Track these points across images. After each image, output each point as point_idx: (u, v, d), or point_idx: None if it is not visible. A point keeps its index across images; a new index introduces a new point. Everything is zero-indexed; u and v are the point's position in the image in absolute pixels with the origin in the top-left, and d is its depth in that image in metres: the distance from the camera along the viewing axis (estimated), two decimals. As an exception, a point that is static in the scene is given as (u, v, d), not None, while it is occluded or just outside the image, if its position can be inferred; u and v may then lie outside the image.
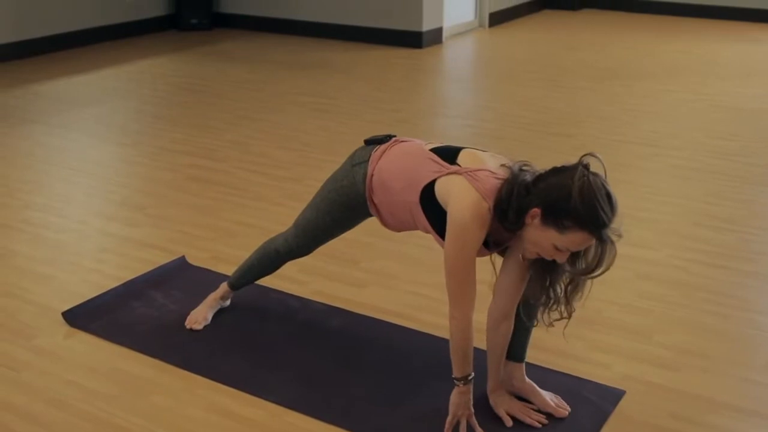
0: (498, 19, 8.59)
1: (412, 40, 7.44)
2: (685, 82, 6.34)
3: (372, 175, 2.41)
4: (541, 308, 2.31)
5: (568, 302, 2.26)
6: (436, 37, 7.60)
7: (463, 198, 2.17)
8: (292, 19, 8.01)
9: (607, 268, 2.15)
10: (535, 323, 2.39)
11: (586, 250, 2.14)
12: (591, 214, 2.05)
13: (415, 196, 2.31)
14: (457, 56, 7.50)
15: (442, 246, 2.26)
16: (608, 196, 2.08)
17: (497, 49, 7.76)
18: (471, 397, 2.32)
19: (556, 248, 2.12)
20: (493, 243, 2.30)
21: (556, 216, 2.08)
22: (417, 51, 7.36)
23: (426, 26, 7.45)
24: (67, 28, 7.23)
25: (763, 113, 5.52)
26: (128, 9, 7.74)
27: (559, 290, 2.26)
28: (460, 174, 2.21)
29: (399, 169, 2.37)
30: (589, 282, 2.24)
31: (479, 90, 6.49)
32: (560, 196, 2.07)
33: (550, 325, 2.32)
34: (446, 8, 7.72)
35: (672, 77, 6.48)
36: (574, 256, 2.16)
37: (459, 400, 2.32)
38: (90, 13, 7.41)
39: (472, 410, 2.33)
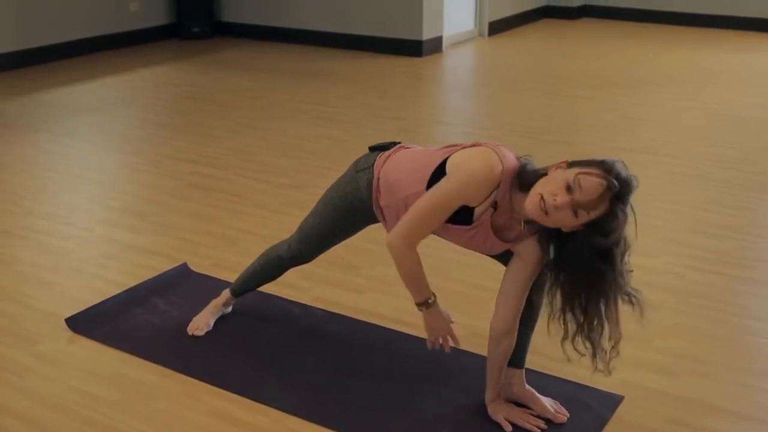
0: (497, 28, 8.63)
1: (413, 48, 7.47)
2: (683, 90, 6.37)
3: (378, 179, 2.42)
4: (565, 339, 2.25)
5: (592, 340, 2.22)
6: (436, 45, 7.63)
7: (479, 154, 2.19)
8: (293, 28, 8.04)
9: (621, 228, 2.17)
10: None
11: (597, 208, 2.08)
12: (607, 162, 2.08)
13: (423, 185, 2.29)
14: (457, 65, 7.53)
15: (451, 240, 2.24)
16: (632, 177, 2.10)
17: (497, 57, 7.79)
18: (441, 314, 2.35)
19: (568, 187, 2.05)
20: (496, 221, 2.27)
21: (579, 164, 2.11)
22: (417, 60, 7.39)
23: (426, 35, 7.48)
24: (69, 36, 7.26)
25: (761, 122, 5.54)
26: (130, 18, 7.77)
27: (580, 317, 2.20)
28: (480, 144, 2.23)
29: (406, 172, 2.37)
30: (612, 325, 2.20)
31: (479, 98, 6.52)
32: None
33: (570, 359, 2.27)
34: (446, 17, 7.75)
35: (671, 85, 6.51)
36: (590, 226, 2.12)
37: (430, 323, 2.35)
38: (92, 22, 7.45)
39: (450, 326, 2.36)
